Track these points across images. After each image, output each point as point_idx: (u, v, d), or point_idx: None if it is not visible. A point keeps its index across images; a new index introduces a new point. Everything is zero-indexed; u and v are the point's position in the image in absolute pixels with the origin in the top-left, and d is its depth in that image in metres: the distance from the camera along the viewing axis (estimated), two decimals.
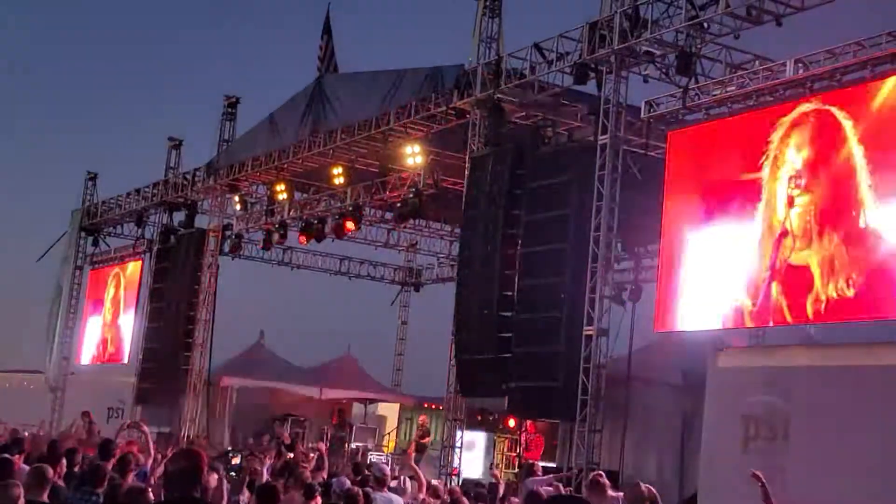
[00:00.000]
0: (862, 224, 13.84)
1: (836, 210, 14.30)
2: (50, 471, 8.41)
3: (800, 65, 15.48)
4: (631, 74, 17.07)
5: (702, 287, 16.19)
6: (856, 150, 13.98)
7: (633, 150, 17.94)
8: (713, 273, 16.01)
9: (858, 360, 14.17)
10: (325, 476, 13.69)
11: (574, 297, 16.94)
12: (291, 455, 16.34)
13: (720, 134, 16.43)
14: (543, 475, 15.54)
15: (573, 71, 17.38)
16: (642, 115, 17.55)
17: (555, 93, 18.50)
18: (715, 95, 16.72)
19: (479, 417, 23.04)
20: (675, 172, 16.92)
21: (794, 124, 15.00)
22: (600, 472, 10.35)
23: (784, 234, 14.92)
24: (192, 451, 5.14)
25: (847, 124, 14.17)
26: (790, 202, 14.89)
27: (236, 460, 8.14)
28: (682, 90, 16.72)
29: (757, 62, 17.00)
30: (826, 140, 14.53)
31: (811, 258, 14.42)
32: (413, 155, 21.66)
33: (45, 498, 8.01)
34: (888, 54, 14.41)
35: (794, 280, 14.66)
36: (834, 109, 14.44)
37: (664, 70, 16.83)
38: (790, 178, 14.94)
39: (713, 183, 16.31)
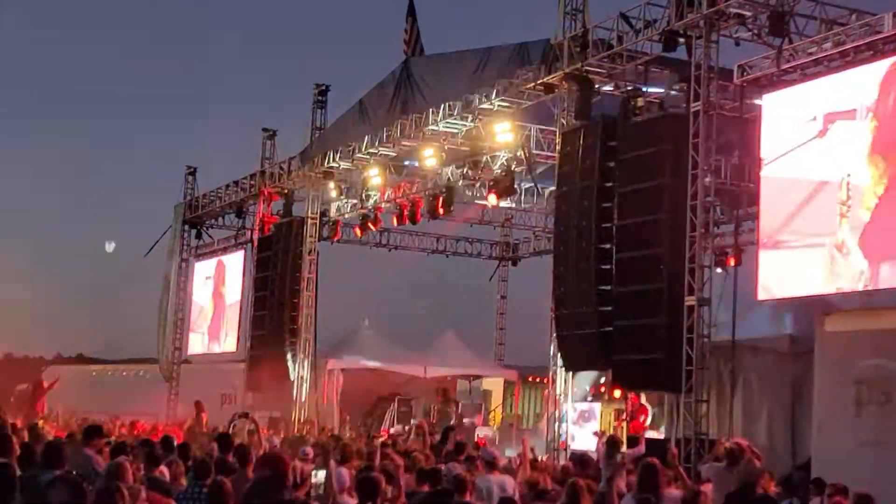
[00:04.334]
0: None
1: None
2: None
3: None
4: (721, 38, 16.76)
5: (804, 250, 15.86)
6: None
7: (728, 115, 17.65)
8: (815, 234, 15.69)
9: None
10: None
11: (673, 267, 16.76)
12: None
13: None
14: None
15: (662, 38, 17.11)
16: (735, 79, 17.21)
17: (644, 62, 18.25)
18: (811, 54, 16.31)
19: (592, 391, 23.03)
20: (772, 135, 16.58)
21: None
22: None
23: None
24: (276, 456, 5.26)
25: None
26: None
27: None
28: (775, 51, 16.34)
29: (854, 16, 16.49)
30: None
31: None
32: (503, 132, 21.61)
33: None
34: None
35: None
36: None
37: (756, 31, 16.47)
38: None
39: None
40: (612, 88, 19.10)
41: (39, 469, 8.73)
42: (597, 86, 18.91)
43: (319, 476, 7.20)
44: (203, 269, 34.84)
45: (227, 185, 32.09)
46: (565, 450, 19.45)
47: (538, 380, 30.66)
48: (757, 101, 17.22)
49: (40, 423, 20.30)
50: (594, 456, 14.39)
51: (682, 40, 16.89)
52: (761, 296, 16.81)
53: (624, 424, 22.77)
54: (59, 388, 32.91)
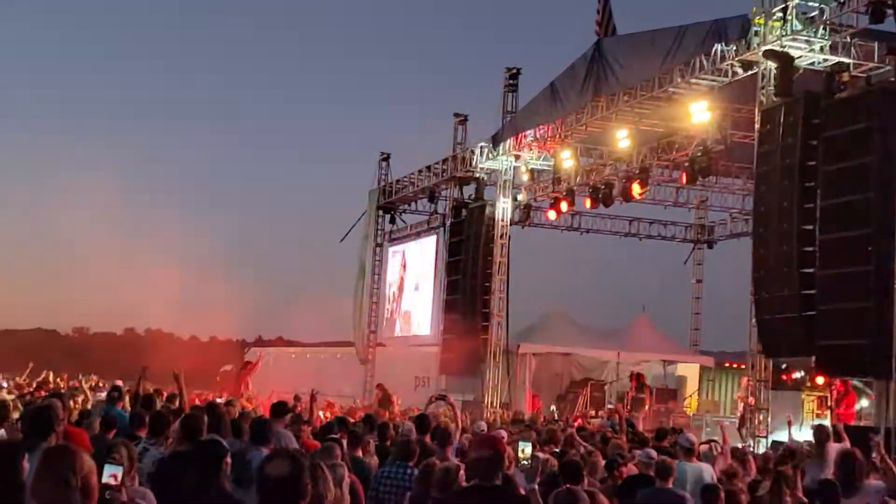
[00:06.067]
0: None
1: None
2: None
3: None
4: None
5: None
6: None
7: None
8: None
9: None
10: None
11: (882, 248, 16.12)
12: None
13: None
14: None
15: (868, 10, 16.35)
16: None
17: (849, 34, 17.43)
18: None
19: (784, 377, 22.21)
20: None
21: None
22: None
23: None
24: (494, 438, 5.29)
25: None
26: None
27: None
28: None
29: None
30: None
31: None
32: (700, 111, 21.09)
33: None
34: None
35: None
36: None
37: None
38: None
39: None
40: (814, 63, 18.33)
41: (247, 445, 9.08)
42: (798, 61, 18.21)
43: (527, 450, 7.21)
44: (397, 256, 35.53)
45: (420, 171, 32.62)
46: (765, 437, 18.88)
47: (735, 366, 29.89)
48: None
49: (243, 400, 21.06)
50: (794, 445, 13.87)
51: (890, 11, 16.09)
52: None
53: (828, 413, 21.87)
54: (262, 368, 34.20)
